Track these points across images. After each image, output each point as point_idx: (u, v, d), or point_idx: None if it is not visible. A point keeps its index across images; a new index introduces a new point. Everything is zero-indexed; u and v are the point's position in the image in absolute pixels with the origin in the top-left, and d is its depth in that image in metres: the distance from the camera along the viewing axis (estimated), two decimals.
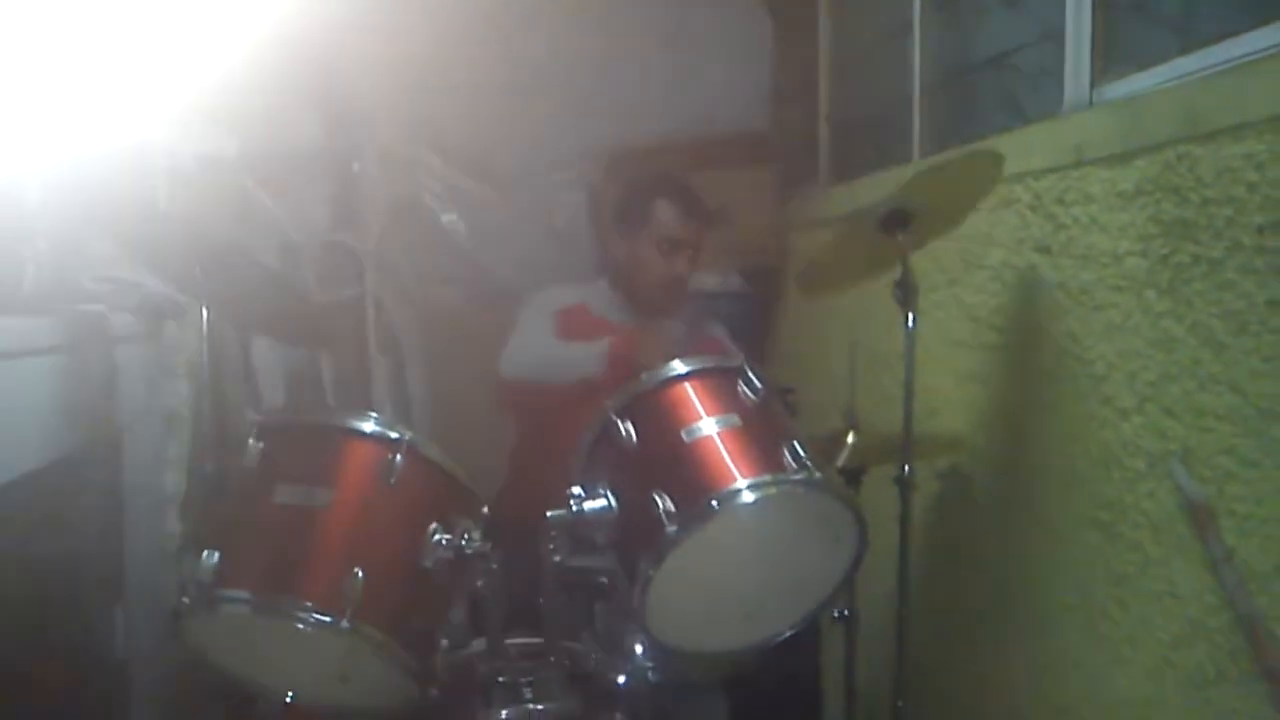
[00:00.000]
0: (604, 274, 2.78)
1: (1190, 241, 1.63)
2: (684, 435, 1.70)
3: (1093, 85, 2.07)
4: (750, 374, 1.79)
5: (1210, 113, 1.60)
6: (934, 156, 2.78)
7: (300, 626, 1.60)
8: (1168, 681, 1.72)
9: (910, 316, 2.02)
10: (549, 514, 1.74)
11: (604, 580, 1.93)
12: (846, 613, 2.19)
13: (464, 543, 1.72)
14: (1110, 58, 2.06)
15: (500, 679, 1.86)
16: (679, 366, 1.79)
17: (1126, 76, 1.99)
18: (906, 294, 2.02)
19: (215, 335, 2.31)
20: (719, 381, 1.79)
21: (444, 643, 1.79)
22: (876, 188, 2.88)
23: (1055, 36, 2.19)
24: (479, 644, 1.95)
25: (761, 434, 1.72)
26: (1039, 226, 2.08)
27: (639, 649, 1.97)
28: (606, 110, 3.75)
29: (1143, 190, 1.75)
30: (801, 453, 1.68)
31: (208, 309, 2.15)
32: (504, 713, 1.81)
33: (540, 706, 1.83)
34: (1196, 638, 1.65)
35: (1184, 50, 1.84)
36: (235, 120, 2.83)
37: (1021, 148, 2.15)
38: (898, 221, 1.99)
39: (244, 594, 1.62)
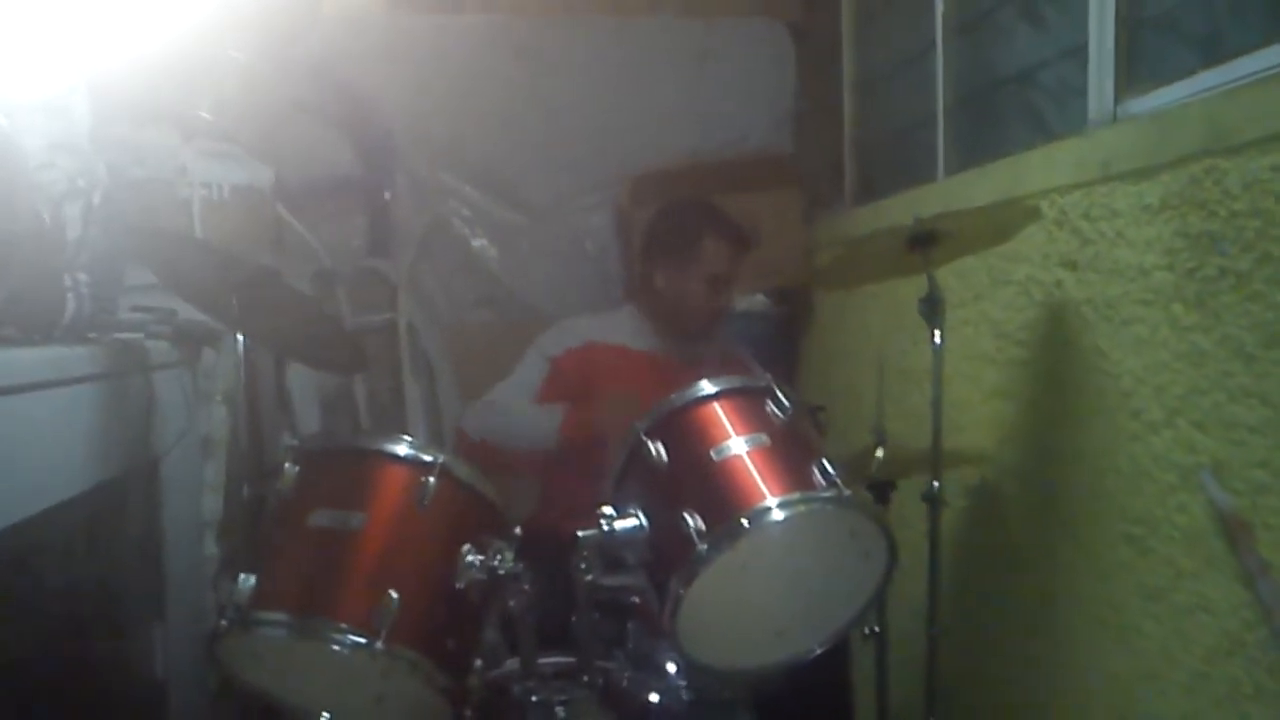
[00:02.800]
0: (631, 298, 2.79)
1: (1217, 255, 1.64)
2: (713, 454, 1.71)
3: (1117, 101, 2.08)
4: (778, 393, 1.80)
5: (1236, 126, 1.60)
6: (960, 176, 2.78)
7: (335, 648, 1.62)
8: (1203, 697, 1.71)
9: (937, 333, 2.03)
10: (580, 533, 1.75)
11: (635, 599, 1.93)
12: (877, 629, 2.19)
13: (497, 563, 1.73)
14: (1134, 73, 2.07)
15: (534, 699, 1.87)
16: (707, 387, 1.80)
17: (1151, 91, 2.00)
18: (933, 310, 2.03)
19: (251, 361, 2.33)
20: (747, 401, 1.80)
21: (478, 663, 1.80)
22: (902, 208, 2.89)
23: (1078, 53, 2.20)
24: (512, 664, 1.97)
25: (790, 452, 1.73)
26: (1065, 242, 2.08)
27: (671, 667, 1.98)
28: (633, 134, 3.77)
29: (1169, 204, 1.76)
30: (830, 470, 1.69)
31: (243, 336, 2.18)
32: None
33: None
34: (1233, 653, 1.64)
35: (1208, 64, 1.84)
36: (269, 150, 2.87)
37: (1046, 164, 2.16)
38: (925, 241, 2.01)
39: (280, 616, 1.64)
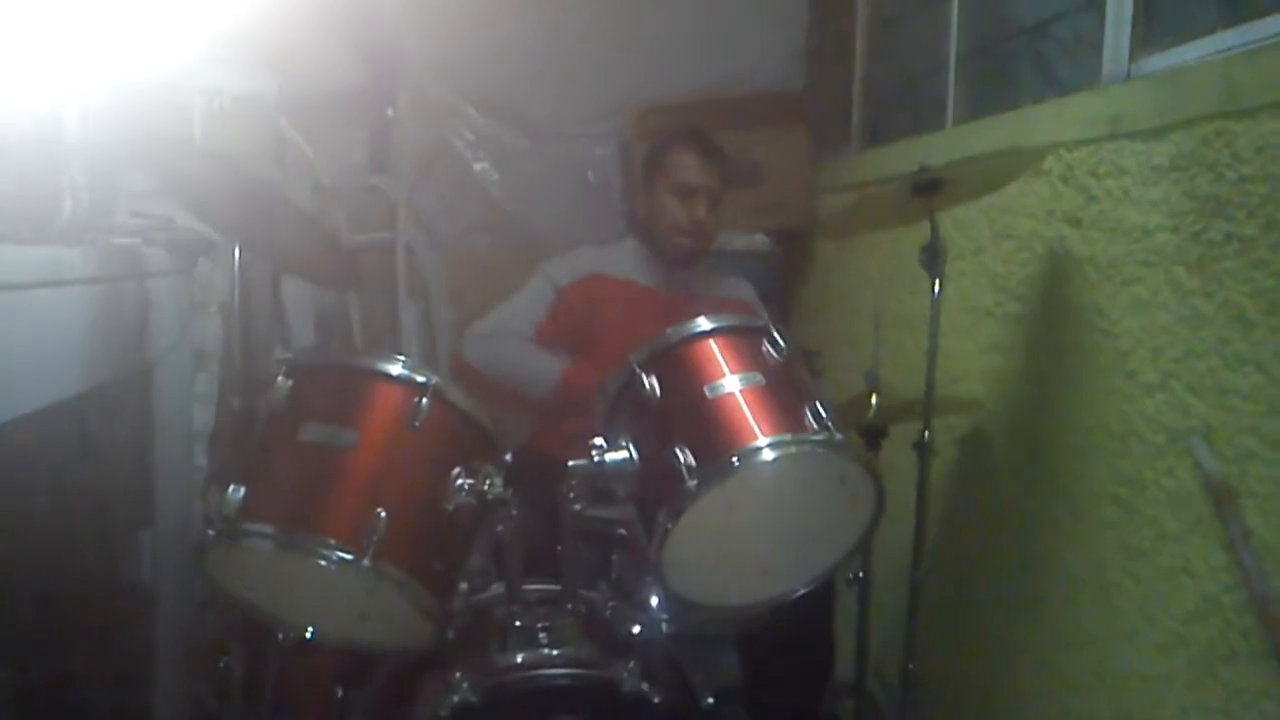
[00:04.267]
0: (631, 230, 2.79)
1: (1223, 218, 1.63)
2: (707, 391, 1.72)
3: (1131, 57, 2.05)
4: (775, 333, 1.80)
5: (1251, 88, 1.59)
6: (968, 125, 2.76)
7: (322, 563, 1.63)
8: (1178, 657, 1.74)
9: (937, 283, 2.02)
10: (570, 463, 1.76)
11: (622, 531, 1.95)
12: (861, 574, 2.21)
13: (486, 488, 1.74)
14: (1151, 30, 2.04)
15: (517, 623, 1.89)
16: (704, 323, 1.80)
17: (1166, 49, 1.98)
18: (934, 260, 2.02)
19: (247, 274, 2.33)
20: (744, 340, 1.80)
21: (463, 586, 1.82)
22: (909, 154, 2.87)
23: (1096, 6, 2.17)
24: (497, 589, 1.99)
25: (784, 393, 1.73)
26: (1070, 198, 2.07)
27: (654, 600, 2.00)
28: (641, 64, 3.72)
29: (1177, 165, 1.74)
30: (823, 413, 1.70)
31: (240, 247, 2.16)
32: (519, 656, 1.84)
33: (555, 652, 1.86)
34: (1210, 615, 1.66)
35: (1226, 24, 1.82)
36: (273, 60, 2.83)
37: (1056, 118, 2.14)
38: (929, 188, 1.99)
39: (268, 529, 1.65)
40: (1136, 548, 1.84)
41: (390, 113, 3.63)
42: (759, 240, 3.55)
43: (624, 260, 2.70)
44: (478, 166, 3.71)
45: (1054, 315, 2.14)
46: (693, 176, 2.61)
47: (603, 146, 3.75)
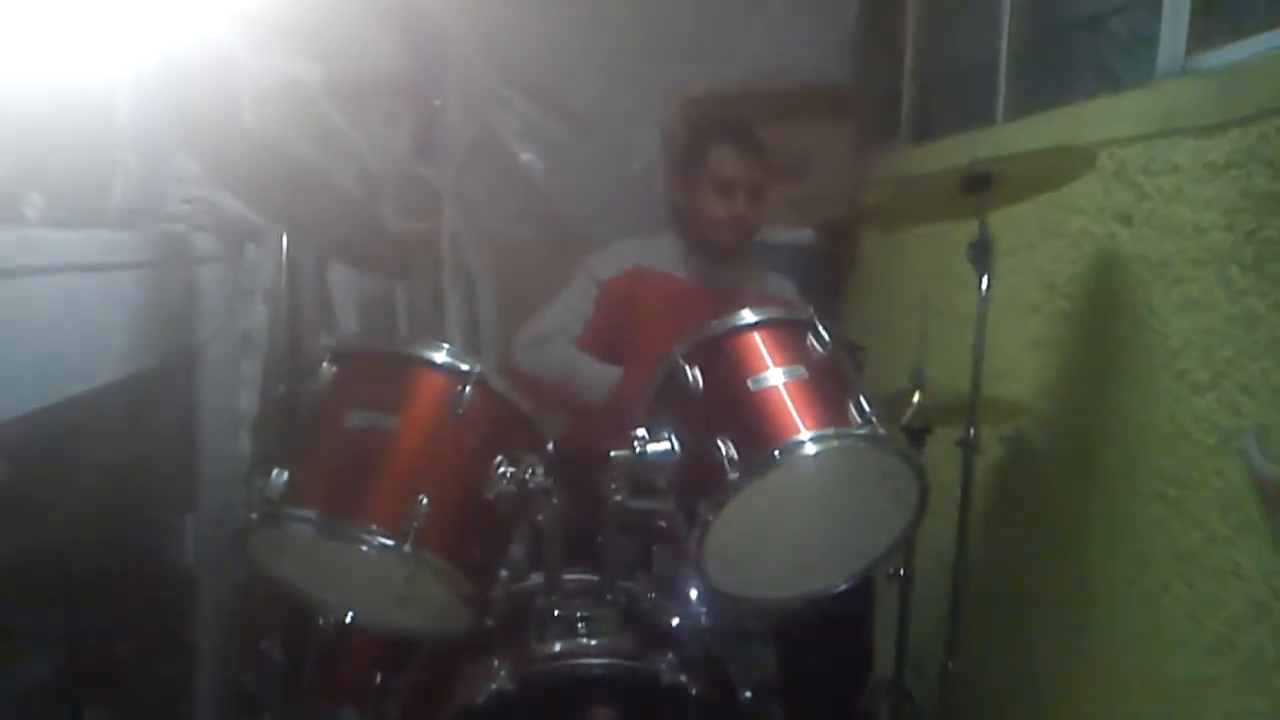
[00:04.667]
0: (673, 223, 2.78)
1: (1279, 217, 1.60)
2: (750, 384, 1.71)
3: (1188, 53, 2.02)
4: (819, 327, 1.79)
5: None
6: (1019, 121, 2.73)
7: (363, 549, 1.64)
8: (1226, 661, 1.71)
9: (985, 279, 2.00)
10: (613, 454, 1.76)
11: (663, 523, 1.94)
12: (902, 571, 2.19)
13: (527, 477, 1.74)
14: (1208, 25, 2.01)
15: (556, 613, 1.90)
16: (748, 315, 1.79)
17: (1223, 45, 1.94)
18: (982, 256, 2.00)
19: (293, 259, 2.34)
20: (787, 332, 1.79)
21: (503, 574, 1.82)
22: (958, 149, 2.84)
23: (1152, 1, 2.14)
24: (537, 578, 1.99)
25: (827, 387, 1.72)
26: (1121, 195, 2.04)
27: (693, 593, 2.00)
28: (688, 55, 3.72)
29: (1233, 162, 1.71)
30: (866, 408, 1.69)
31: (287, 233, 2.18)
32: (557, 645, 1.85)
33: (593, 642, 1.86)
34: (1259, 619, 1.63)
35: None
36: (321, 47, 2.85)
37: (1109, 114, 2.11)
38: (979, 183, 1.97)
39: (310, 513, 1.66)
40: (1185, 549, 1.81)
41: (437, 101, 3.64)
42: (805, 234, 3.53)
43: (665, 254, 2.68)
44: (524, 156, 3.71)
45: (1103, 313, 2.11)
46: (731, 170, 2.59)
47: (648, 137, 3.75)
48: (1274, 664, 1.59)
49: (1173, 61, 2.05)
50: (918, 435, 2.21)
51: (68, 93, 1.81)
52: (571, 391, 2.50)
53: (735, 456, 1.63)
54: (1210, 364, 1.76)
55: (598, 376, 2.48)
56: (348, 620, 1.86)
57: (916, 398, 2.20)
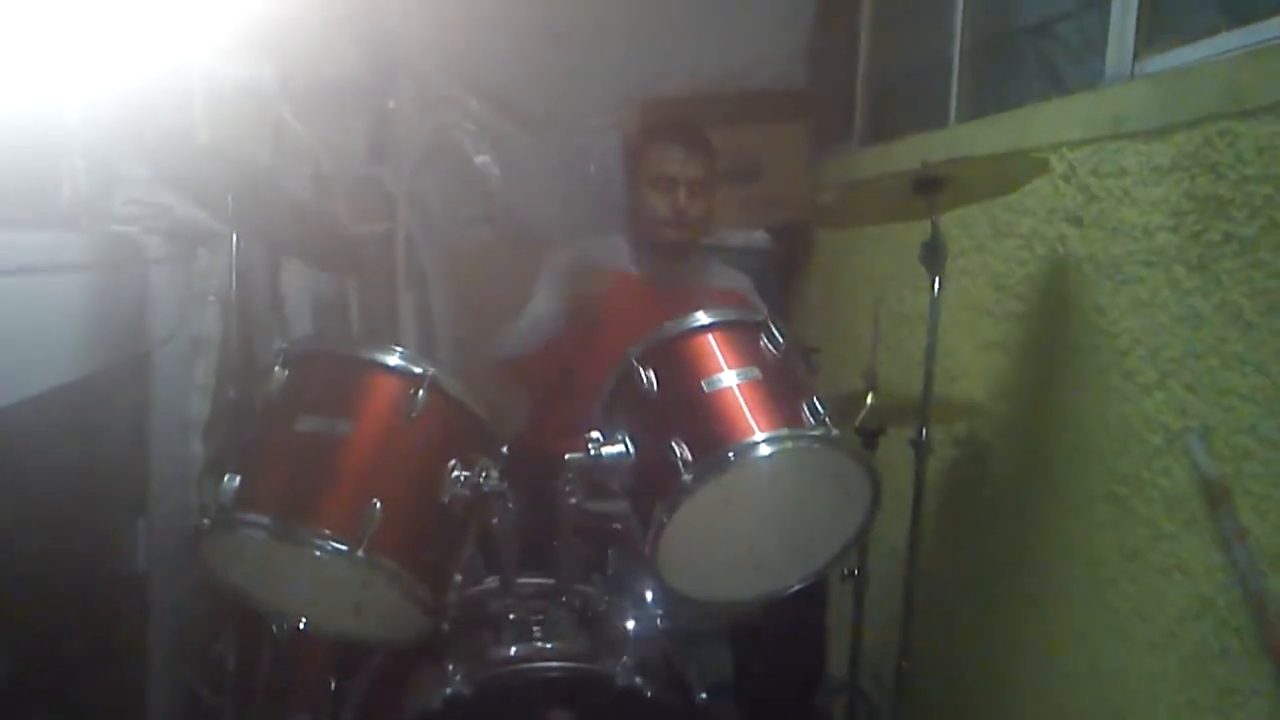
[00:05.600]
0: (625, 226, 2.77)
1: (1223, 219, 1.63)
2: (704, 386, 1.72)
3: (1135, 57, 2.05)
4: (773, 328, 1.80)
5: (1255, 88, 1.58)
6: (971, 124, 2.76)
7: (317, 554, 1.62)
8: (1171, 655, 1.74)
9: (937, 281, 2.02)
10: (567, 456, 1.76)
11: (617, 526, 1.94)
12: (856, 572, 2.21)
13: (482, 480, 1.74)
14: (1154, 30, 2.04)
15: (511, 616, 1.89)
16: (702, 317, 1.80)
17: (1170, 49, 1.97)
18: (934, 257, 2.02)
19: (245, 263, 2.32)
20: (741, 334, 1.80)
21: (457, 578, 1.82)
22: (911, 151, 2.86)
23: (1100, 6, 2.16)
24: (491, 582, 1.99)
25: (781, 388, 1.73)
26: (1071, 197, 2.07)
27: (649, 595, 2.00)
28: (643, 58, 3.71)
29: (1179, 165, 1.74)
30: (820, 409, 1.70)
31: (238, 236, 2.16)
32: (513, 649, 1.84)
33: (549, 645, 1.85)
34: (1204, 613, 1.66)
35: (1230, 25, 1.81)
36: (274, 49, 2.83)
37: (1059, 117, 2.14)
38: (931, 185, 1.99)
39: (263, 519, 1.64)
40: (1132, 547, 1.84)
41: (391, 103, 3.62)
42: (758, 236, 3.54)
43: (616, 252, 2.68)
44: (478, 158, 3.69)
45: (1054, 314, 2.14)
46: (672, 168, 2.57)
47: (604, 140, 3.74)
48: (1217, 657, 1.62)
49: (1120, 66, 2.08)
50: (871, 436, 2.23)
51: (15, 95, 1.79)
52: (538, 329, 2.53)
53: (689, 458, 1.63)
54: (1157, 364, 1.78)
55: (538, 314, 2.53)
56: (301, 626, 1.84)
57: (870, 399, 2.22)
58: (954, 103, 2.93)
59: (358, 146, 3.63)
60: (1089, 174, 2.01)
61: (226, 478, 1.66)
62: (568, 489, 1.79)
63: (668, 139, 2.62)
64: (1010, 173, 2.10)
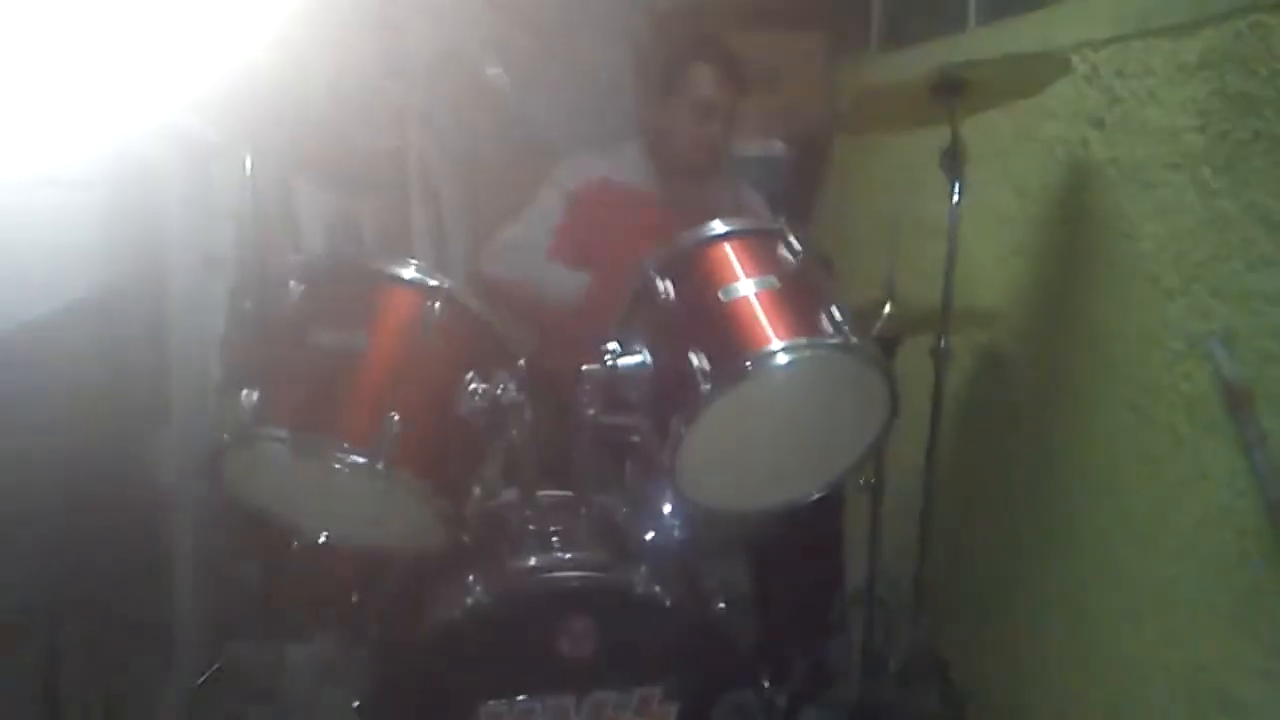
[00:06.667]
0: (642, 136, 2.74)
1: (1254, 116, 1.58)
2: (721, 295, 1.70)
3: None
4: (790, 237, 1.78)
5: None
6: (990, 26, 2.70)
7: (336, 466, 1.63)
8: (1190, 562, 1.73)
9: (957, 187, 1.99)
10: (584, 368, 1.75)
11: (635, 438, 1.94)
12: (873, 481, 2.21)
13: (500, 393, 1.74)
14: None
15: (530, 527, 1.90)
16: (719, 226, 1.78)
17: None
18: (955, 164, 1.98)
19: (258, 179, 2.31)
20: (758, 243, 1.78)
21: (476, 491, 1.82)
22: (929, 56, 2.80)
23: None
24: (510, 494, 1.99)
25: (799, 297, 1.72)
26: (1095, 99, 2.02)
27: (667, 508, 2.01)
28: None
29: (1207, 62, 1.70)
30: (838, 317, 1.68)
31: (252, 153, 2.14)
32: (532, 560, 1.85)
33: (568, 555, 1.87)
34: (1223, 521, 1.65)
35: None
36: None
37: (1083, 16, 2.09)
38: (950, 89, 1.95)
39: (281, 432, 1.65)
40: (1152, 453, 1.83)
41: (401, 15, 3.56)
42: (775, 146, 3.50)
43: (632, 166, 2.64)
44: (490, 71, 3.64)
45: (1075, 220, 2.11)
46: (709, 90, 2.54)
47: (615, 48, 3.68)
48: (1237, 563, 1.62)
49: None
50: (889, 345, 2.20)
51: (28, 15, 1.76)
52: (539, 299, 2.48)
53: (707, 368, 1.62)
54: (1181, 268, 1.76)
55: (565, 283, 2.46)
56: (322, 541, 1.86)
57: (888, 308, 2.20)
58: (973, 6, 2.86)
59: (369, 62, 3.59)
60: (1113, 74, 1.96)
61: (244, 392, 1.66)
62: (585, 401, 1.78)
63: (712, 62, 2.56)
64: (1031, 74, 2.05)
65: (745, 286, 1.70)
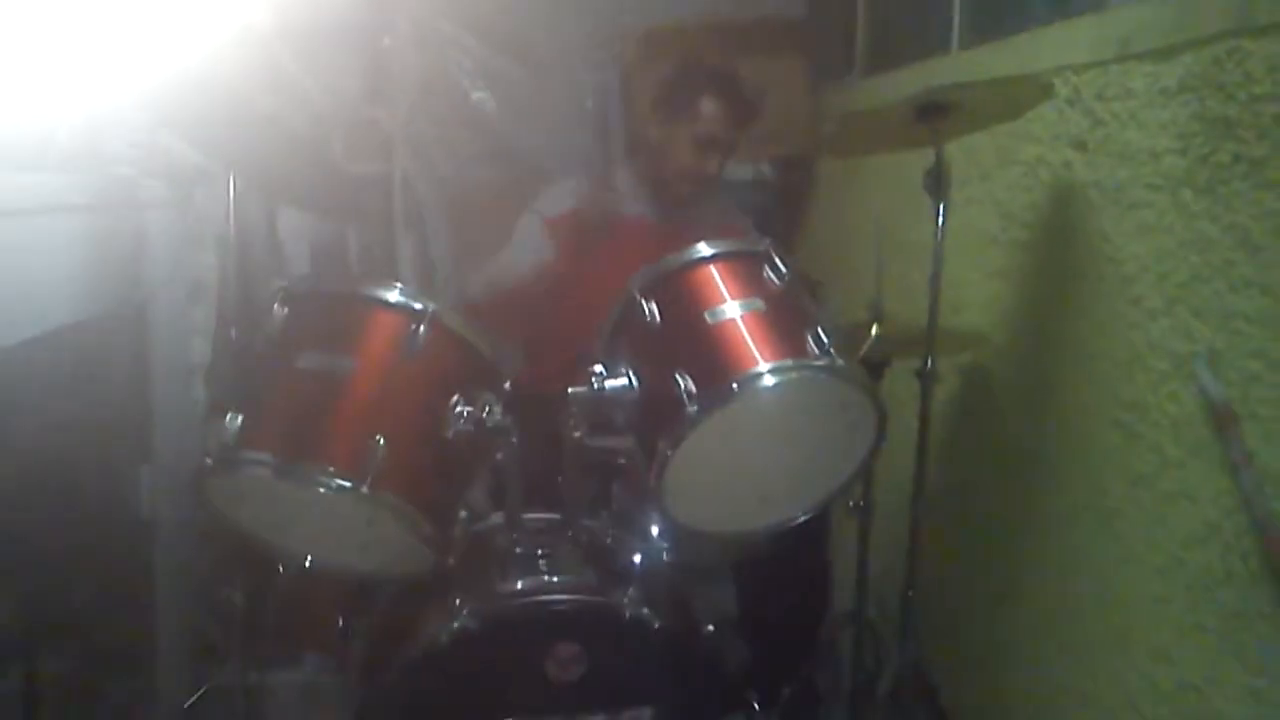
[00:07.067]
0: (627, 160, 2.74)
1: (1233, 140, 1.60)
2: (707, 317, 1.71)
3: None
4: (776, 259, 1.78)
5: (1266, 5, 1.54)
6: (974, 50, 2.72)
7: (321, 490, 1.62)
8: (1177, 581, 1.73)
9: (941, 208, 2.00)
10: (570, 390, 1.75)
11: (622, 460, 1.94)
12: (861, 503, 2.20)
13: (485, 416, 1.73)
14: None
15: (517, 550, 1.90)
16: (705, 249, 1.78)
17: None
18: (938, 185, 1.99)
19: (242, 204, 2.30)
20: (744, 265, 1.79)
21: (462, 514, 1.82)
22: (914, 80, 2.82)
23: None
24: (497, 518, 1.99)
25: (785, 319, 1.72)
26: (1076, 122, 2.04)
27: (654, 530, 2.00)
28: None
29: (1187, 86, 1.71)
30: (825, 339, 1.68)
31: (236, 178, 2.14)
32: (519, 583, 1.84)
33: (555, 578, 1.86)
34: (1209, 539, 1.65)
35: None
36: None
37: (1064, 39, 2.10)
38: (935, 112, 1.96)
39: (266, 457, 1.64)
40: (1138, 473, 1.83)
41: (387, 41, 3.57)
42: (760, 169, 3.51)
43: (618, 189, 2.65)
44: (476, 96, 3.65)
45: (1059, 241, 2.12)
46: (716, 127, 2.53)
47: (601, 73, 3.70)
48: (1222, 581, 1.62)
49: None
50: (876, 367, 2.21)
51: (12, 38, 1.76)
52: (519, 265, 2.50)
53: (693, 390, 1.62)
54: (1163, 289, 1.77)
55: (522, 249, 2.48)
56: (307, 565, 1.85)
57: (875, 330, 2.20)
58: (956, 30, 2.88)
59: (354, 87, 3.59)
60: (1094, 98, 1.98)
61: (229, 417, 1.66)
62: (572, 423, 1.78)
63: (722, 97, 2.54)
64: (1014, 97, 2.07)
65: (731, 309, 1.71)
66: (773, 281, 1.76)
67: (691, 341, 1.70)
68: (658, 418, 1.66)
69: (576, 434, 1.79)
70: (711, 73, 2.60)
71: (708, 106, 2.53)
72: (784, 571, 2.26)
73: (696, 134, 2.53)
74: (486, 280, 2.54)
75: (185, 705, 2.18)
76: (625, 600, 1.78)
